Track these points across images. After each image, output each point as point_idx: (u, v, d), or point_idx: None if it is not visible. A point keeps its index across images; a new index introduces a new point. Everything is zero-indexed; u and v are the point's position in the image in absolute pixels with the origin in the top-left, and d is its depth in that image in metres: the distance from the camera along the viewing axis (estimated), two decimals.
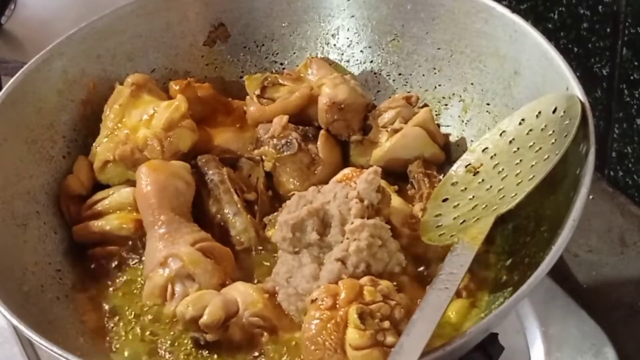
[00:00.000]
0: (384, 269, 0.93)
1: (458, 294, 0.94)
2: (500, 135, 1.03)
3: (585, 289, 1.19)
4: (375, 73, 1.24)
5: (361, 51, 1.25)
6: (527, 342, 1.11)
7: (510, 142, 1.01)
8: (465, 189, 1.02)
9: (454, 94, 1.18)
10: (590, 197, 1.07)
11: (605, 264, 1.21)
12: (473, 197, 0.99)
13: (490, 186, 0.99)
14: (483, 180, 1.01)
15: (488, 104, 1.13)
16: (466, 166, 1.04)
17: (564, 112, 0.95)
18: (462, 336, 0.80)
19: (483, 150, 1.04)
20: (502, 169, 0.99)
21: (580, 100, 0.94)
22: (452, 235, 0.94)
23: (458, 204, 1.00)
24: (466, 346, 0.83)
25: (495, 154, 1.02)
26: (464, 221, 0.96)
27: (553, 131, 0.95)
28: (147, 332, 0.98)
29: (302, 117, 1.16)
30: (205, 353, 0.94)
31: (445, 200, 1.02)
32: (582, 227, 1.22)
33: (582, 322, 1.12)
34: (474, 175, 1.03)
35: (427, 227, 0.99)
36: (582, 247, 1.23)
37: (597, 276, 1.20)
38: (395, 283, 0.91)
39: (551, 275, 1.07)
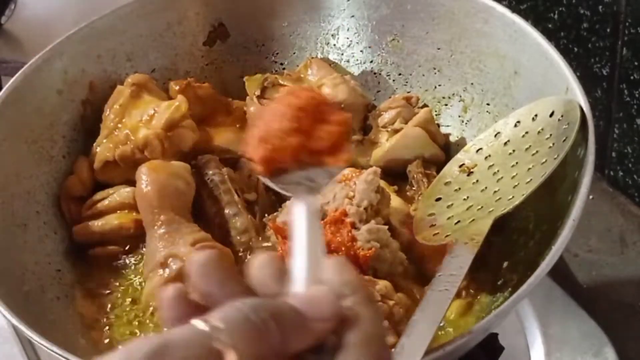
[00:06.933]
0: (388, 270, 0.92)
1: (457, 294, 0.94)
2: (495, 136, 1.02)
3: (585, 289, 1.18)
4: (375, 73, 1.24)
5: (361, 51, 1.25)
6: (527, 342, 1.10)
7: (506, 144, 1.00)
8: (459, 189, 1.01)
9: (454, 94, 1.18)
10: (590, 197, 1.07)
11: (605, 264, 1.21)
12: (467, 197, 0.99)
13: (485, 187, 0.98)
14: (477, 181, 1.00)
15: (488, 104, 1.13)
16: (460, 166, 1.04)
17: (562, 116, 0.94)
18: (462, 336, 0.80)
19: (477, 151, 1.03)
20: (497, 171, 0.99)
21: (580, 105, 0.94)
22: (447, 235, 0.94)
23: (452, 204, 0.99)
24: (466, 346, 0.83)
25: (489, 155, 1.01)
26: (458, 221, 0.95)
27: (550, 135, 0.94)
28: (147, 332, 0.98)
29: None
30: None
31: (438, 199, 1.01)
32: (582, 227, 1.22)
33: (582, 322, 1.11)
34: (468, 175, 1.02)
35: (421, 226, 0.99)
36: (582, 247, 1.23)
37: (597, 276, 1.20)
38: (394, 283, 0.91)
39: (551, 275, 1.07)
